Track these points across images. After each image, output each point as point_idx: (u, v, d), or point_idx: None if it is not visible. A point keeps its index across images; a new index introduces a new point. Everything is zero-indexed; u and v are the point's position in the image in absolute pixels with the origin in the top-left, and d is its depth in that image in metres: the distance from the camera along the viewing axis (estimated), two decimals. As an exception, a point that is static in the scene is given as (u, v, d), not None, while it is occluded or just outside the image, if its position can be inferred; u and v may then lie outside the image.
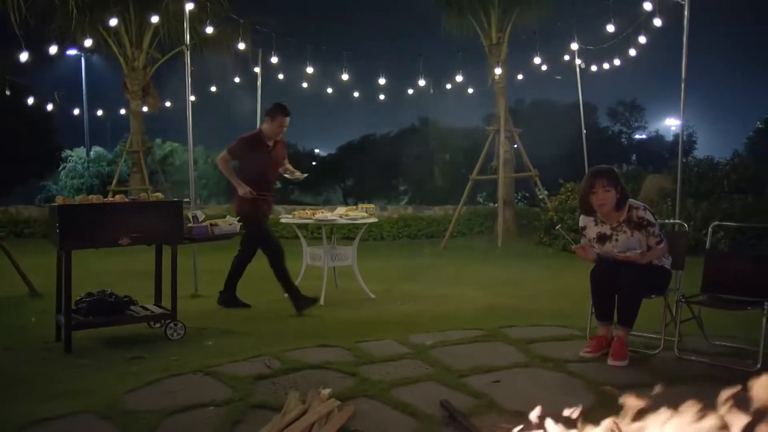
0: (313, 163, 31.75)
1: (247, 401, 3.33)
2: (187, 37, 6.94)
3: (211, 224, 5.30)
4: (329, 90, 12.02)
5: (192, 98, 7.47)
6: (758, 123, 31.59)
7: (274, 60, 10.64)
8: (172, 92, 14.36)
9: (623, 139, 31.82)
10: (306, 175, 6.51)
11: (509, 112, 13.17)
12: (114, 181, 12.90)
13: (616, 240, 4.15)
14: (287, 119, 6.11)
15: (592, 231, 4.25)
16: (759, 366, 3.71)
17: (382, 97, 12.29)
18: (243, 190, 5.95)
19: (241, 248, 6.32)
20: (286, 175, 6.41)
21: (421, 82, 12.10)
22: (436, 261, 10.54)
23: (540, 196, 13.39)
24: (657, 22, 7.90)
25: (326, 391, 3.20)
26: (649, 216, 4.09)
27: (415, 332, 4.85)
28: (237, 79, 11.19)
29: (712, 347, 4.21)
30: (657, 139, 32.52)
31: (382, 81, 12.16)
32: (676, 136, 31.79)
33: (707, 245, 4.45)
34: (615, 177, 4.11)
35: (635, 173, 12.49)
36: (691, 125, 30.26)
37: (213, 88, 11.92)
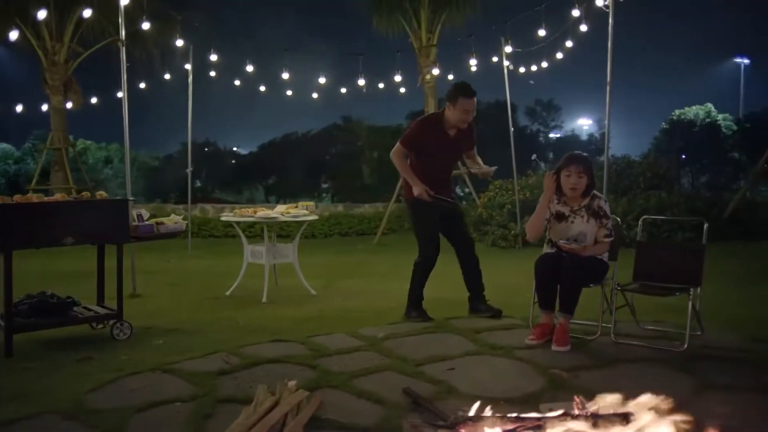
0: (233, 161, 31.32)
1: (213, 396, 3.37)
2: (122, 32, 6.79)
3: (156, 223, 5.26)
4: (262, 88, 11.96)
5: (119, 94, 7.33)
6: (663, 123, 33.45)
7: (196, 56, 10.43)
8: (95, 88, 13.92)
9: (541, 138, 32.98)
10: (496, 167, 5.42)
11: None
12: (34, 181, 12.37)
13: (572, 222, 4.41)
14: (471, 101, 4.99)
15: (553, 207, 4.49)
16: (686, 346, 4.05)
17: (315, 95, 12.33)
18: (419, 189, 4.99)
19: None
20: (472, 170, 5.38)
21: (346, 81, 12.24)
22: (370, 257, 10.71)
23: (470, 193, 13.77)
24: (583, 27, 8.37)
25: (293, 383, 3.29)
26: (607, 209, 4.38)
27: (363, 326, 4.97)
28: (167, 76, 10.99)
29: (643, 331, 4.54)
30: (572, 137, 33.88)
31: (319, 79, 12.19)
32: (590, 135, 33.28)
33: (638, 237, 4.79)
34: (589, 165, 4.39)
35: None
36: (604, 124, 31.69)
37: (142, 85, 11.64)
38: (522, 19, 9.73)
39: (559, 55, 9.73)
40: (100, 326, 5.20)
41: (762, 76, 45.62)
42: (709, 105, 32.24)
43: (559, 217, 4.47)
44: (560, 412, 2.53)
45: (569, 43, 9.32)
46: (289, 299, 6.58)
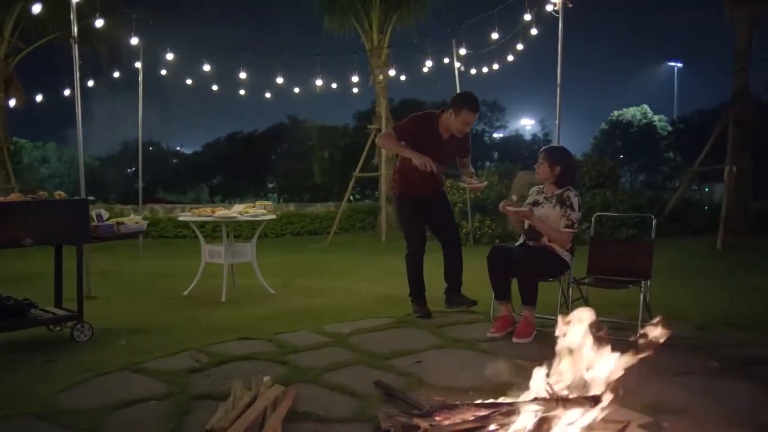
0: (174, 161, 30.82)
1: (187, 394, 3.40)
2: (74, 29, 6.67)
3: (117, 223, 5.20)
4: (214, 87, 11.85)
5: (66, 92, 7.19)
6: (603, 124, 34.53)
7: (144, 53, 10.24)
8: (36, 85, 13.49)
9: (486, 138, 33.59)
10: (486, 183, 5.38)
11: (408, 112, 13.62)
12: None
13: (542, 207, 4.64)
14: (474, 116, 4.98)
15: (533, 196, 4.77)
16: (637, 336, 4.28)
17: (267, 95, 12.28)
18: (421, 159, 4.80)
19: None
20: (461, 183, 5.22)
21: (291, 80, 12.22)
22: (324, 256, 10.77)
23: None
24: (534, 31, 8.64)
25: (268, 379, 3.35)
26: (574, 201, 4.58)
27: (327, 323, 5.04)
28: (117, 74, 10.79)
29: (597, 324, 4.75)
30: (516, 137, 34.61)
31: (271, 78, 12.14)
32: (533, 134, 34.06)
33: (591, 233, 5.02)
34: (554, 156, 4.68)
35: (510, 168, 13.43)
36: (548, 125, 32.56)
37: (90, 83, 11.36)
38: (474, 22, 9.98)
39: (510, 58, 10.01)
40: (58, 328, 5.13)
41: (694, 79, 47.61)
42: (646, 106, 33.50)
43: (534, 203, 4.72)
44: (532, 396, 2.67)
45: (520, 46, 9.61)
46: (248, 298, 6.59)
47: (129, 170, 27.13)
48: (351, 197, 13.92)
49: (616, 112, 33.93)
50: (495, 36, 9.45)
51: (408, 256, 5.36)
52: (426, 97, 25.01)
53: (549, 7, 7.42)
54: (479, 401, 2.82)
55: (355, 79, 11.90)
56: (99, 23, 7.05)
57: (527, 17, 8.51)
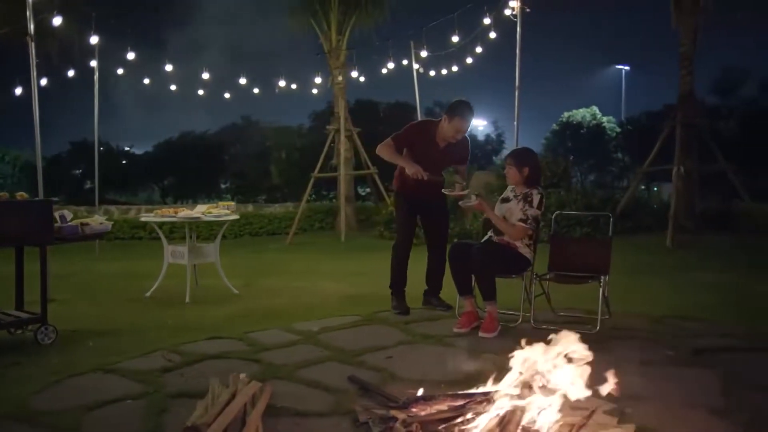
0: (123, 162, 30.17)
1: (163, 392, 3.42)
2: (31, 26, 6.55)
3: (81, 224, 5.15)
4: (173, 87, 11.72)
5: (18, 91, 7.06)
6: (554, 125, 35.27)
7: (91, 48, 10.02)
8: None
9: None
10: (468, 191, 5.20)
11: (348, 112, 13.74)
12: None
13: (509, 203, 4.84)
14: (466, 122, 5.15)
15: (506, 193, 4.97)
16: (597, 329, 4.48)
17: (227, 95, 12.21)
18: (413, 168, 5.03)
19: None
20: (444, 191, 5.21)
21: (243, 80, 12.16)
22: (285, 256, 10.78)
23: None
24: (492, 35, 8.85)
25: (244, 375, 3.39)
26: (535, 199, 4.72)
27: (294, 322, 5.10)
28: (71, 73, 10.57)
29: (558, 318, 4.95)
30: (470, 137, 34.95)
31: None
32: (487, 135, 34.52)
33: (551, 231, 5.21)
34: (521, 159, 4.86)
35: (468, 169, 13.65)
36: (500, 125, 33.10)
37: (44, 82, 11.09)
38: (433, 25, 10.16)
39: (470, 60, 10.22)
40: (19, 332, 5.05)
41: (640, 82, 49.04)
42: (595, 108, 34.31)
43: (504, 200, 4.92)
44: (505, 385, 2.79)
45: (479, 49, 9.82)
46: (212, 299, 6.58)
47: (76, 171, 26.48)
48: (309, 198, 13.93)
49: (566, 114, 34.62)
50: (455, 39, 9.65)
51: (395, 247, 5.48)
52: (383, 97, 25.19)
53: (507, 11, 7.61)
54: (454, 392, 2.94)
55: (318, 80, 11.94)
56: (57, 21, 6.94)
57: (486, 21, 8.71)
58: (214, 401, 3.04)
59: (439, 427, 2.66)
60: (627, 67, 41.64)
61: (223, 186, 29.78)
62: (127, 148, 32.10)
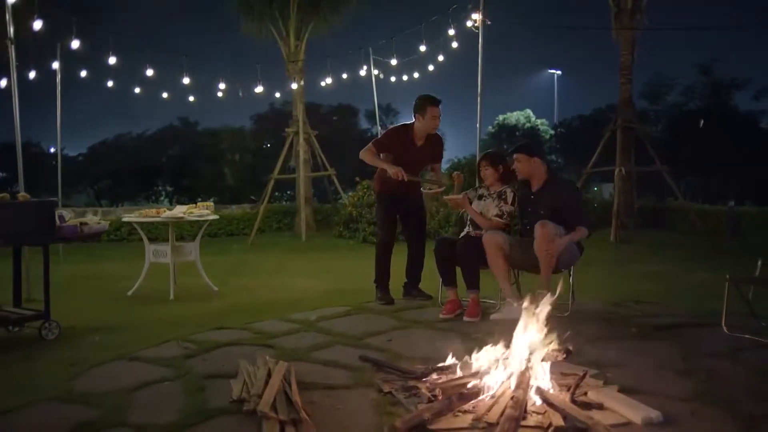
0: (54, 162, 29.23)
1: (195, 374, 3.71)
2: (11, 30, 6.66)
3: (80, 224, 5.35)
4: (109, 83, 11.68)
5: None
6: (490, 127, 36.30)
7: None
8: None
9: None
10: (444, 187, 5.92)
11: (307, 115, 14.06)
12: None
13: (485, 200, 5.31)
14: (437, 108, 5.56)
15: (481, 190, 5.42)
16: (568, 313, 5.02)
17: (165, 95, 12.22)
18: (394, 169, 5.40)
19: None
20: (422, 189, 5.71)
21: (186, 80, 12.22)
22: (250, 256, 11.04)
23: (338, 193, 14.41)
24: (454, 44, 9.39)
25: (269, 357, 3.75)
26: (509, 196, 5.23)
27: (285, 313, 5.41)
28: (32, 74, 10.42)
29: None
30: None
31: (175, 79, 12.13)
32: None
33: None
34: (495, 159, 5.33)
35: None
36: (440, 130, 33.77)
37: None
38: (387, 35, 10.65)
39: (431, 67, 10.75)
40: (16, 329, 5.22)
41: (572, 85, 50.96)
42: (529, 111, 35.53)
43: (480, 197, 5.39)
44: (511, 354, 3.26)
45: (440, 57, 10.37)
46: (195, 296, 6.85)
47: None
48: (269, 199, 14.16)
49: (501, 116, 35.66)
50: (411, 47, 10.16)
51: (378, 245, 5.87)
52: (325, 101, 25.50)
53: (469, 23, 8.14)
54: (464, 361, 3.39)
55: (259, 89, 12.16)
56: (37, 25, 7.04)
57: (451, 32, 9.25)
58: (251, 378, 3.39)
59: (461, 391, 3.09)
60: (559, 72, 43.23)
61: (160, 188, 29.13)
62: (52, 150, 31.10)
